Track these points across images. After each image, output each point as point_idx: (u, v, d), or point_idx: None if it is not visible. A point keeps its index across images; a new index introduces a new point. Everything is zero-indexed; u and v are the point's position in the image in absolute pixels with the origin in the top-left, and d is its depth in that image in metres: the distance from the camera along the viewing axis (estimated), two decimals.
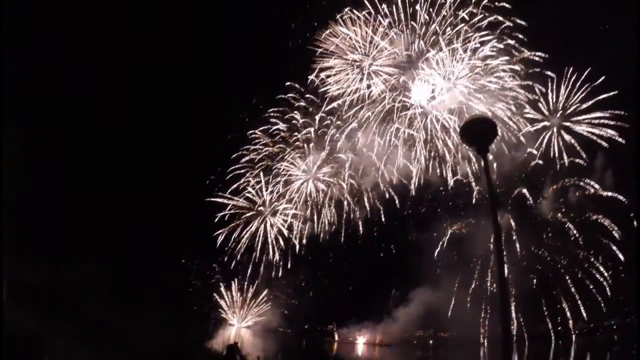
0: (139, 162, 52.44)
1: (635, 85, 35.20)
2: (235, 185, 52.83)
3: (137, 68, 51.54)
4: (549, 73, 46.49)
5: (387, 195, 50.75)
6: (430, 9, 47.85)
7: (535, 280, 45.53)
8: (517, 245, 46.13)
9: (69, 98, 48.50)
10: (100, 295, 42.10)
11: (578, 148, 46.30)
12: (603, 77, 44.75)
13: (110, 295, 42.95)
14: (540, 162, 47.39)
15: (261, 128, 53.25)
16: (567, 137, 46.67)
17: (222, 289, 52.73)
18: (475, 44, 47.17)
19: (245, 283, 52.56)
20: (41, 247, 41.49)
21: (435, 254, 49.12)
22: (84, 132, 50.09)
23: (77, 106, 49.22)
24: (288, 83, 52.51)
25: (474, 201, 48.51)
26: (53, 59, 46.24)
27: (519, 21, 46.45)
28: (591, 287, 44.57)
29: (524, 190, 48.18)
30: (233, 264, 52.07)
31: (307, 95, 51.99)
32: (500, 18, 46.70)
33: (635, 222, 43.84)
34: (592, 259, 44.98)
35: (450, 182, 49.33)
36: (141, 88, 52.62)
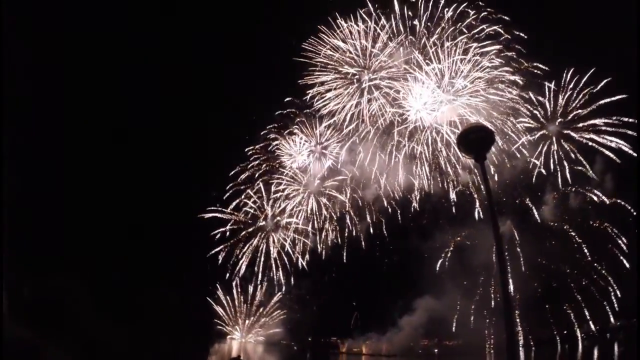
0: (139, 176, 52.79)
1: (636, 87, 35.27)
2: (236, 201, 52.97)
3: (134, 84, 52.13)
4: (546, 83, 47.01)
5: (389, 209, 51.05)
6: (429, 23, 48.29)
7: (539, 287, 45.49)
8: (520, 252, 46.28)
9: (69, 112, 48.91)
10: (98, 308, 42.25)
11: (578, 156, 46.73)
12: (606, 81, 45.13)
13: (108, 309, 43.10)
14: (542, 170, 47.58)
15: (262, 144, 53.52)
16: (567, 144, 47.00)
17: (225, 303, 52.73)
18: (475, 56, 47.48)
19: (249, 297, 52.68)
20: (39, 259, 41.65)
21: (438, 265, 49.53)
22: (83, 147, 50.51)
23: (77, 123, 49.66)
24: (288, 99, 52.69)
25: (476, 210, 48.65)
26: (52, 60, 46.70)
27: (518, 33, 46.96)
28: (594, 291, 44.79)
29: (526, 198, 48.38)
30: (235, 280, 52.20)
31: (307, 110, 52.24)
32: (500, 30, 47.17)
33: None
34: (595, 264, 45.14)
35: (452, 193, 49.56)
36: (139, 105, 53.19)
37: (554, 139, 47.18)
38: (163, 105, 54.75)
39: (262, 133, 53.31)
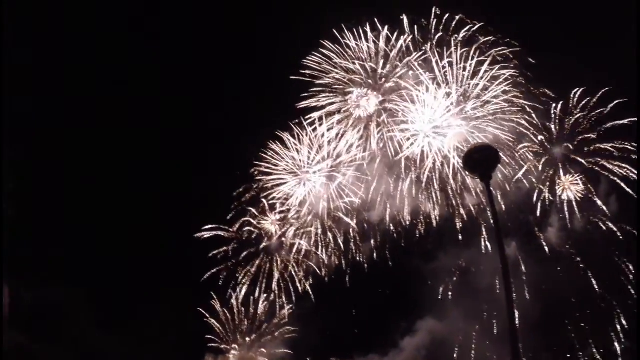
0: (141, 191, 53.18)
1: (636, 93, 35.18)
2: (240, 221, 52.54)
3: (135, 100, 52.73)
4: (552, 106, 47.08)
5: (394, 233, 50.94)
6: (438, 49, 48.44)
7: (542, 311, 45.06)
8: (524, 276, 46.06)
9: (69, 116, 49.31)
10: (94, 319, 42.30)
11: (584, 179, 46.62)
12: (610, 105, 44.94)
13: (105, 320, 43.13)
14: (548, 195, 47.46)
15: (267, 165, 53.03)
16: (573, 168, 46.96)
17: (223, 319, 52.31)
18: (483, 80, 47.56)
19: (250, 315, 52.34)
20: (39, 270, 41.83)
21: (441, 290, 49.34)
22: (84, 160, 50.93)
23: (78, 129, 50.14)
24: (296, 121, 52.21)
25: (482, 238, 48.54)
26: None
27: (527, 58, 47.28)
28: (598, 316, 44.35)
29: (531, 223, 48.27)
30: (235, 299, 51.87)
31: (315, 133, 51.79)
32: (509, 54, 47.43)
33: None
34: (599, 290, 44.78)
35: (457, 220, 49.51)
36: (141, 118, 53.68)
37: (560, 164, 47.22)
38: (167, 116, 55.37)
39: (268, 155, 52.84)
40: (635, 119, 43.94)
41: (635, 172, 43.80)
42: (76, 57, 50.41)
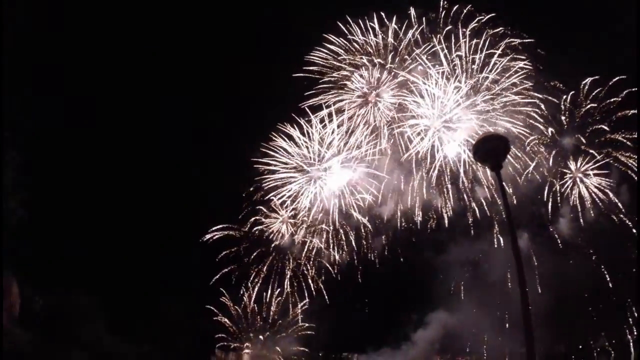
0: (147, 192, 53.41)
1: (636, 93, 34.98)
2: (251, 221, 52.56)
3: (140, 112, 52.96)
4: (563, 98, 46.88)
5: (405, 228, 50.96)
6: (447, 43, 48.17)
7: (553, 302, 44.86)
8: (535, 267, 45.95)
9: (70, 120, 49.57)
10: (103, 322, 42.63)
11: (595, 172, 46.44)
12: (625, 92, 44.66)
13: (114, 324, 43.43)
14: (558, 186, 47.27)
15: (276, 163, 52.39)
16: (584, 159, 46.81)
17: (236, 317, 52.54)
18: (493, 74, 47.33)
19: (263, 313, 52.49)
20: (49, 275, 42.11)
21: (453, 284, 49.38)
22: (89, 164, 51.19)
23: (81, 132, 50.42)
24: (307, 118, 51.34)
25: (495, 225, 48.50)
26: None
27: (537, 49, 47.05)
28: (610, 306, 44.17)
29: (542, 215, 48.09)
30: (247, 297, 52.05)
31: (325, 130, 51.71)
32: (518, 47, 47.22)
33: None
34: (610, 281, 44.55)
35: (470, 215, 49.41)
36: (142, 123, 53.98)
37: (571, 156, 47.03)
38: (169, 116, 55.59)
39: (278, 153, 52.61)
40: None
41: None
42: (76, 57, 50.62)
